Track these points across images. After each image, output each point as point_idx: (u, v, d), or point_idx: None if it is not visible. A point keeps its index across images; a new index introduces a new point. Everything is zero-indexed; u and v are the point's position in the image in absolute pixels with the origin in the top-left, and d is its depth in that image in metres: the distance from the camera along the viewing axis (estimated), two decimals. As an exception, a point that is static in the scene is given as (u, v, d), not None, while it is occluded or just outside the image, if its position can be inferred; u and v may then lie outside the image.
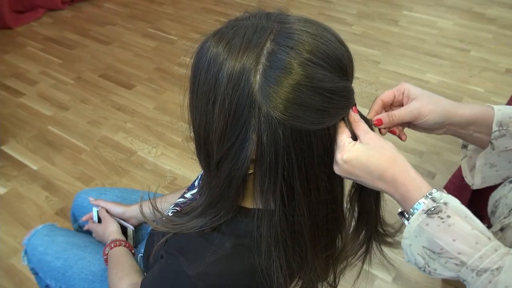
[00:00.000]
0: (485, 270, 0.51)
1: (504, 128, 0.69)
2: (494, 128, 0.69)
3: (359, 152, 0.57)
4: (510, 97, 1.69)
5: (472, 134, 0.71)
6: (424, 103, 0.66)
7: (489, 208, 0.78)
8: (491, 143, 0.71)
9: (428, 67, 2.80)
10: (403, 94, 0.68)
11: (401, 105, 0.70)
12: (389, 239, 0.74)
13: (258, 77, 0.53)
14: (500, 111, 0.69)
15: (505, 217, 0.73)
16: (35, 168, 2.01)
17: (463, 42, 3.09)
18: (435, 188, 0.56)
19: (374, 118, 0.66)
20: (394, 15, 3.44)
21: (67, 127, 2.26)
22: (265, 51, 0.54)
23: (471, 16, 3.45)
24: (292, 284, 0.71)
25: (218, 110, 0.56)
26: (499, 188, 0.78)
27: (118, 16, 3.38)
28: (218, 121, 0.56)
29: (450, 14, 3.47)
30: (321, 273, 0.70)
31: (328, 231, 0.68)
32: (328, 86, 0.54)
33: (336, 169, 0.59)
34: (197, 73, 0.58)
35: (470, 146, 0.77)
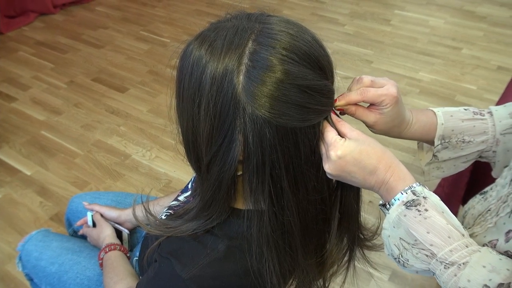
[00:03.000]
0: (453, 264, 0.53)
1: (446, 140, 0.75)
2: (436, 142, 0.75)
3: (352, 147, 0.58)
4: (502, 94, 1.70)
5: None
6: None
7: (459, 219, 0.82)
8: (435, 156, 0.78)
9: (420, 65, 2.82)
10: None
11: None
12: (368, 243, 0.75)
13: (241, 77, 0.53)
14: (443, 125, 0.75)
15: (469, 228, 0.75)
16: (28, 173, 2.00)
17: (455, 40, 3.11)
18: (418, 183, 0.57)
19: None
20: (386, 15, 3.46)
21: (60, 131, 2.25)
22: (247, 51, 0.54)
23: (462, 14, 3.48)
24: (287, 286, 0.71)
25: (203, 113, 0.56)
26: (470, 200, 0.81)
27: (110, 20, 3.37)
28: (204, 124, 0.56)
29: (441, 13, 3.49)
30: (313, 275, 0.70)
31: (318, 232, 0.68)
32: (311, 83, 0.55)
33: (329, 167, 0.59)
34: (181, 77, 0.59)
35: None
